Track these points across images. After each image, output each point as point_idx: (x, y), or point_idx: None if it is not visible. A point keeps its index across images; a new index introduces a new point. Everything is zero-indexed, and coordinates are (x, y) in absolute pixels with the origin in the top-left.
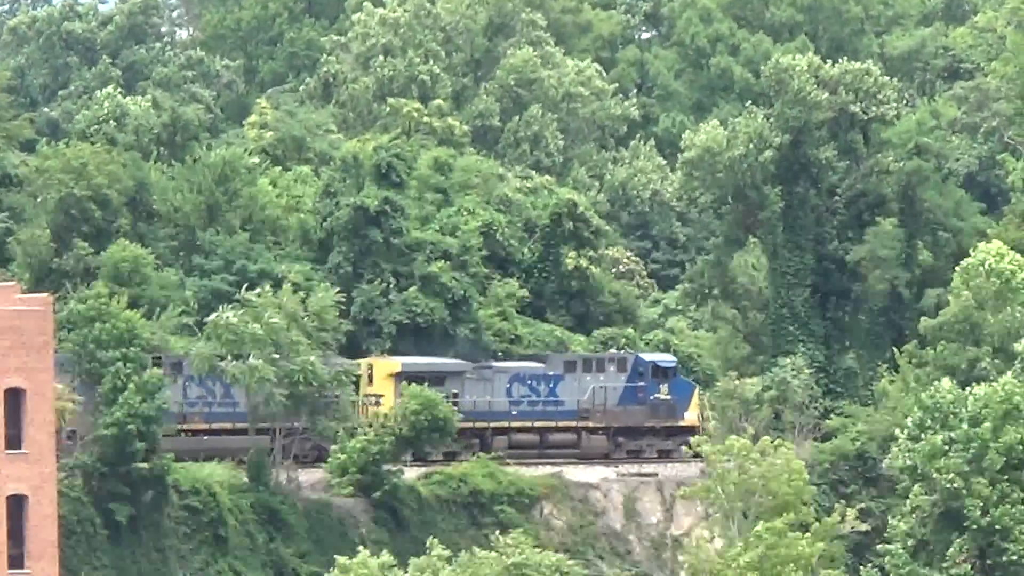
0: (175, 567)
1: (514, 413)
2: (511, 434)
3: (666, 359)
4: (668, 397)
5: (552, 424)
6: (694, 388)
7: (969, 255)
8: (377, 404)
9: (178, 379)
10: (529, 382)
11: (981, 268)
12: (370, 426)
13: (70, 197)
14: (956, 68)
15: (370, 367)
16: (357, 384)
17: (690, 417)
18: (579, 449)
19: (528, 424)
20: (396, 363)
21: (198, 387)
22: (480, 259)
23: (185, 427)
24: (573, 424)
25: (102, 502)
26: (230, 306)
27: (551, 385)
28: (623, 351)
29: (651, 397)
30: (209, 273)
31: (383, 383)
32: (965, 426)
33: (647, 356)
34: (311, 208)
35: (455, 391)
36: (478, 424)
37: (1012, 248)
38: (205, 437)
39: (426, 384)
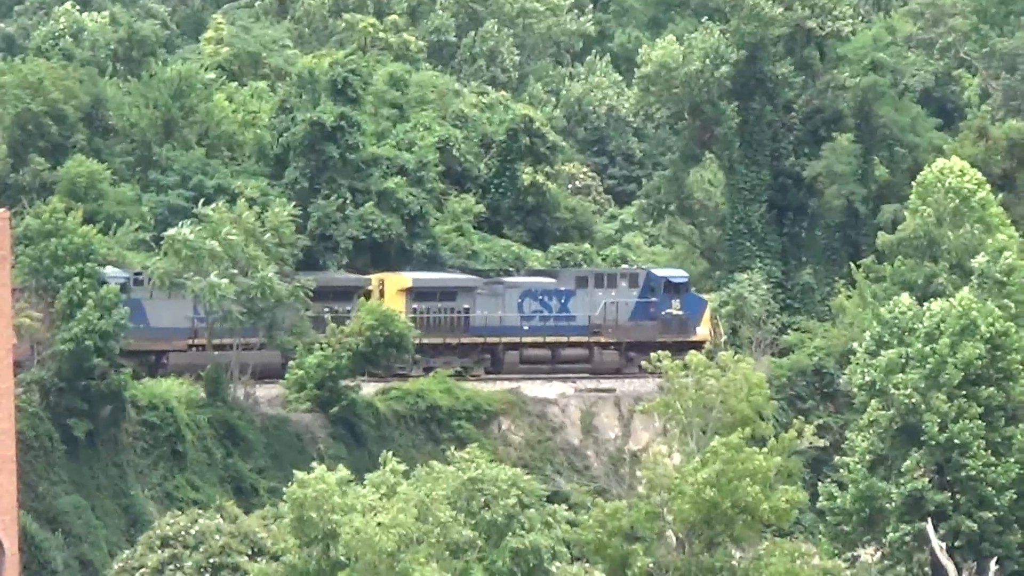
0: (133, 482)
1: (526, 328)
2: (522, 349)
3: (678, 274)
4: (680, 312)
5: (564, 339)
6: (706, 303)
7: (925, 170)
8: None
9: (188, 295)
10: (541, 297)
11: (939, 184)
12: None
13: (26, 113)
14: None
15: (381, 282)
16: (370, 298)
17: (702, 332)
18: (591, 364)
19: (540, 339)
20: (407, 279)
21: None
22: (436, 175)
23: (196, 342)
24: (585, 339)
25: (60, 417)
26: (187, 222)
27: (563, 300)
28: (635, 267)
29: (663, 312)
30: (166, 188)
31: (394, 298)
32: (921, 343)
33: (659, 272)
34: (267, 124)
35: (466, 306)
36: (489, 340)
37: (969, 163)
38: (216, 352)
39: (437, 299)
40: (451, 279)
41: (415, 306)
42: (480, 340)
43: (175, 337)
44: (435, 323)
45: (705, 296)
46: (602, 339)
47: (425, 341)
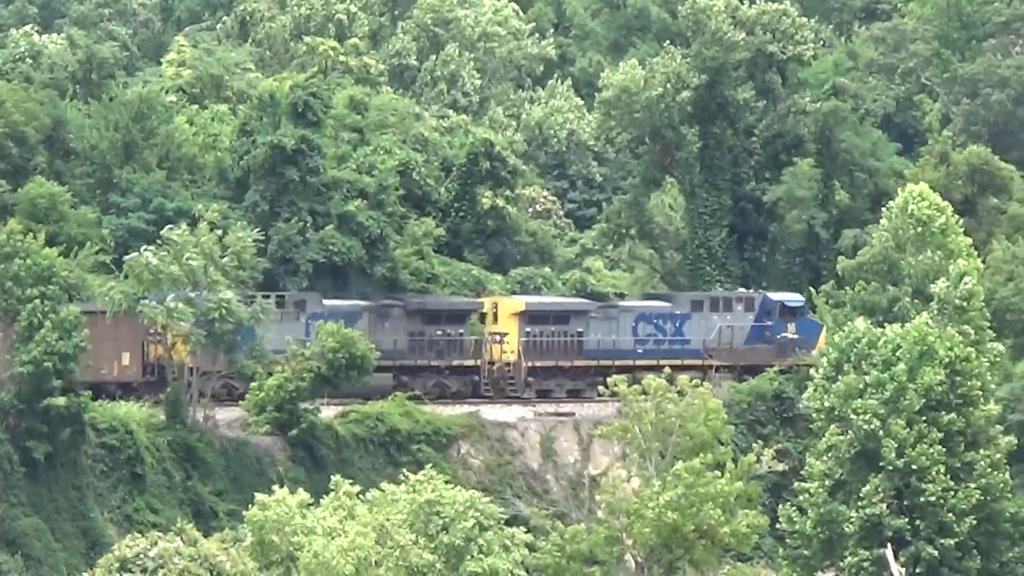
0: (92, 504)
1: (639, 352)
2: (636, 373)
3: (794, 299)
4: (796, 336)
5: (678, 363)
6: (821, 327)
7: (888, 196)
8: (502, 342)
9: (301, 317)
10: (655, 321)
11: (910, 208)
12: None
13: None
14: (873, 9)
15: (495, 305)
16: (483, 321)
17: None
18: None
19: (653, 363)
20: (520, 302)
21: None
22: (397, 198)
23: None
24: (699, 363)
25: (19, 439)
26: (150, 246)
27: (677, 324)
28: (751, 290)
29: (778, 336)
30: (126, 211)
31: (507, 321)
32: (879, 369)
33: (775, 296)
34: (228, 147)
35: (580, 330)
36: (602, 363)
37: (932, 189)
38: None
39: (550, 322)
40: (565, 303)
41: (528, 329)
42: (593, 363)
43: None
44: (548, 346)
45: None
46: (716, 363)
47: (537, 364)
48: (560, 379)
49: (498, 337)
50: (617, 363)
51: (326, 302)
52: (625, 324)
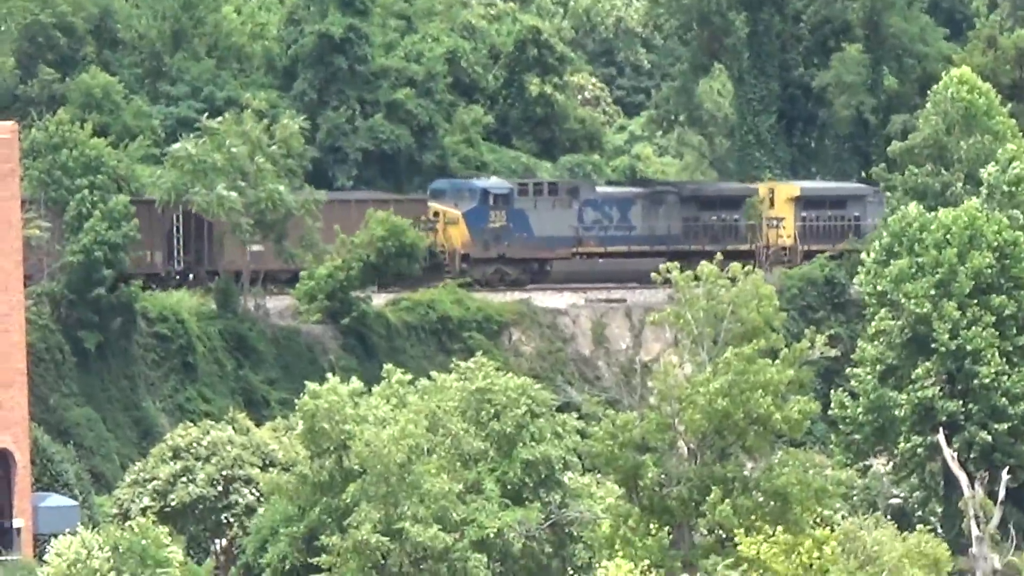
0: (144, 394)
1: None
2: None
3: None
4: None
5: None
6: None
7: (936, 81)
8: (778, 227)
9: (573, 204)
10: None
11: (947, 94)
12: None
13: (35, 24)
14: None
15: (771, 191)
16: (757, 206)
17: None
18: None
19: None
20: (796, 187)
21: (594, 211)
22: (445, 86)
23: (581, 250)
24: None
25: (70, 330)
26: (192, 135)
27: None
28: None
29: None
30: (176, 100)
31: (783, 206)
32: (928, 253)
33: None
34: (275, 36)
35: (856, 214)
36: None
37: (978, 73)
38: (600, 260)
39: (827, 207)
40: (841, 187)
41: (804, 214)
42: None
43: (559, 246)
44: (824, 231)
45: None
46: None
47: (814, 248)
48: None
49: (774, 222)
50: None
51: (599, 189)
52: None
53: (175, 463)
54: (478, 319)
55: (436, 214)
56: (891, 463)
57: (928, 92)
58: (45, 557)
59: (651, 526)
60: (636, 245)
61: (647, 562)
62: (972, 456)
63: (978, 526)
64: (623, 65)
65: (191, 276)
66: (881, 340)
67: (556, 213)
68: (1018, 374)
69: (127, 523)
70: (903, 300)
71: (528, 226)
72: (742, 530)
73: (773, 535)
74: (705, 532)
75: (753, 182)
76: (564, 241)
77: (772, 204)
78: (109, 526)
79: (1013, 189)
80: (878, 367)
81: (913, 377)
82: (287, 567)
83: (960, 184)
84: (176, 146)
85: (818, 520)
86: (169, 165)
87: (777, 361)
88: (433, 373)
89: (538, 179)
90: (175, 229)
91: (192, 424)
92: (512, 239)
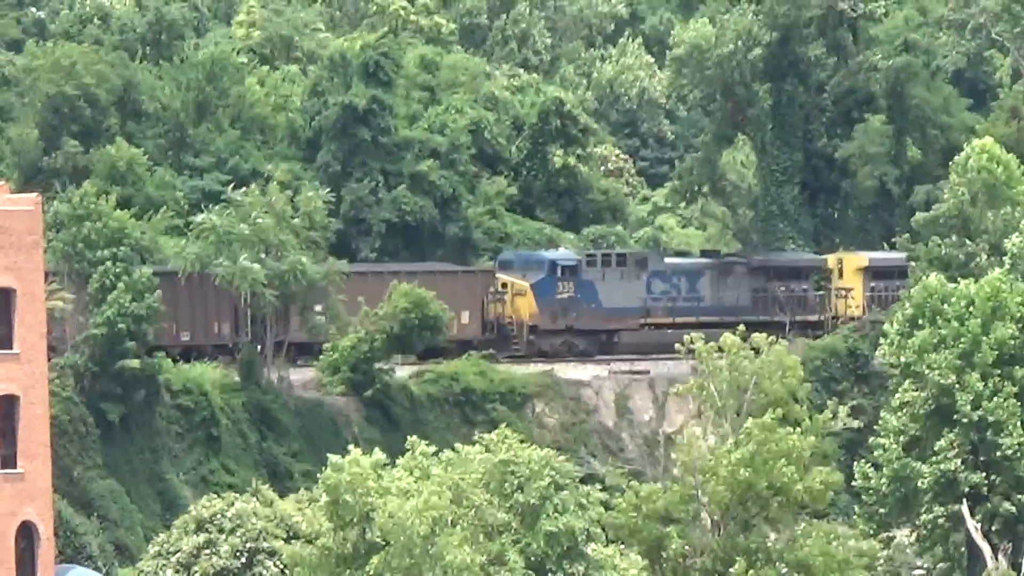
0: (168, 466)
1: None
2: None
3: None
4: None
5: None
6: None
7: (960, 151)
8: (847, 297)
9: (642, 274)
10: None
11: (971, 163)
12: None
13: (59, 96)
14: None
15: (839, 261)
16: (829, 278)
17: None
18: None
19: None
20: (864, 258)
21: (662, 282)
22: (469, 157)
23: (649, 321)
24: None
25: (94, 401)
26: (217, 206)
27: None
28: None
29: None
30: (201, 171)
31: (852, 277)
32: (951, 324)
33: None
34: (299, 107)
35: None
36: None
37: (1001, 144)
38: (669, 331)
39: (895, 277)
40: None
41: (872, 284)
42: None
43: (628, 317)
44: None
45: None
46: None
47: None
48: None
49: (843, 292)
50: None
51: (667, 259)
52: None
53: (199, 535)
54: (501, 391)
55: (504, 285)
56: (915, 534)
57: (951, 163)
58: None
59: None
60: (705, 316)
61: None
62: (995, 527)
63: None
64: (646, 136)
65: (260, 347)
66: (904, 411)
67: (624, 284)
68: None
69: None
70: (926, 371)
71: (596, 297)
72: None
73: None
74: None
75: (823, 253)
76: (632, 312)
77: (841, 275)
78: None
79: None
80: (901, 438)
81: (936, 448)
82: None
83: (985, 255)
84: (201, 217)
85: None
86: (194, 236)
87: (799, 431)
88: (457, 445)
89: (606, 250)
90: (244, 300)
91: (216, 496)
92: (580, 310)
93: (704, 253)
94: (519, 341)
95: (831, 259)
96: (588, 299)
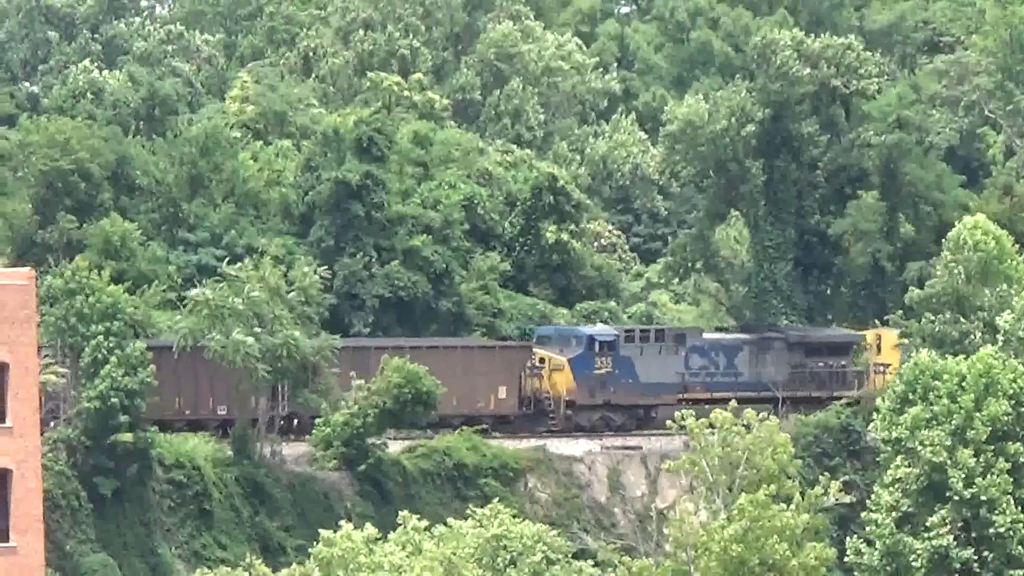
0: (160, 540)
1: None
2: None
3: None
4: None
5: None
6: None
7: (952, 227)
8: (885, 373)
9: (680, 350)
10: None
11: (964, 240)
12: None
13: (53, 171)
14: (936, 42)
15: (878, 337)
16: (864, 353)
17: None
18: None
19: None
20: None
21: (700, 358)
22: (462, 233)
23: (687, 396)
24: None
25: (87, 476)
26: (211, 281)
27: None
28: None
29: None
30: (195, 247)
31: (891, 353)
32: (943, 401)
33: None
34: (292, 182)
35: None
36: None
37: (994, 221)
38: (707, 407)
39: None
40: None
41: None
42: None
43: (665, 392)
44: None
45: None
46: None
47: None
48: None
49: (881, 368)
50: None
51: (706, 335)
52: None
53: None
54: (494, 466)
55: (542, 360)
56: None
57: (944, 239)
58: None
59: None
60: (743, 391)
61: None
62: None
63: None
64: (639, 212)
65: (296, 421)
66: (897, 487)
67: (662, 359)
68: None
69: None
70: (918, 447)
71: (634, 372)
72: None
73: None
74: None
75: (861, 328)
76: (670, 387)
77: (879, 350)
78: None
79: None
80: (894, 514)
81: (929, 524)
82: None
83: (979, 333)
84: (195, 291)
85: None
86: (187, 311)
87: (792, 507)
88: (449, 520)
89: (644, 326)
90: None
91: (208, 570)
92: (618, 385)
93: (744, 328)
94: (556, 416)
95: (869, 335)
96: (626, 374)
